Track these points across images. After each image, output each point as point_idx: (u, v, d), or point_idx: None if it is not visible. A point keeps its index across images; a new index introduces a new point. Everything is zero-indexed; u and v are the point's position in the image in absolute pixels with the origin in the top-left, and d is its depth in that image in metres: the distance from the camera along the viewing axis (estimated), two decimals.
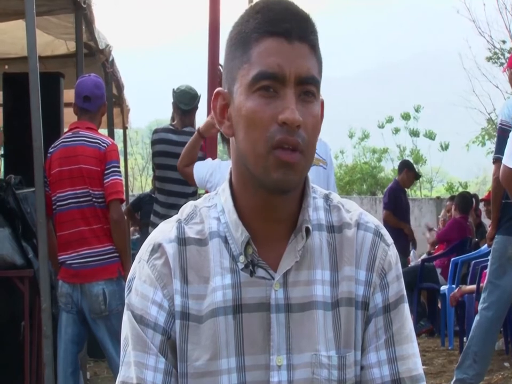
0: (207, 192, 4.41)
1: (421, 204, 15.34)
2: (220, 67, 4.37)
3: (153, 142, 5.54)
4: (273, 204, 1.29)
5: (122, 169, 5.21)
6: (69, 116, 6.48)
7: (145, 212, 9.09)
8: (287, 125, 1.22)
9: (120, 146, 4.20)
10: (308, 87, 1.25)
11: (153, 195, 9.74)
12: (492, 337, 4.82)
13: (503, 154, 4.65)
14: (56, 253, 4.10)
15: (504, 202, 4.75)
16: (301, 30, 1.25)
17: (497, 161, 4.73)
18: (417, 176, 9.73)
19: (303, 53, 1.24)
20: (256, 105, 1.24)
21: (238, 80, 1.27)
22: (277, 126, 1.23)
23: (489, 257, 4.93)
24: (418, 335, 7.75)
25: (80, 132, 4.14)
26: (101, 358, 5.93)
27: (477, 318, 4.85)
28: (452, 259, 7.59)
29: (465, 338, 6.88)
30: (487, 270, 4.94)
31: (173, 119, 5.63)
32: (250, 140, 1.25)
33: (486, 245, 6.48)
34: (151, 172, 10.83)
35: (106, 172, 4.05)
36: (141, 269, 1.32)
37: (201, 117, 4.69)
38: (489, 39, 15.50)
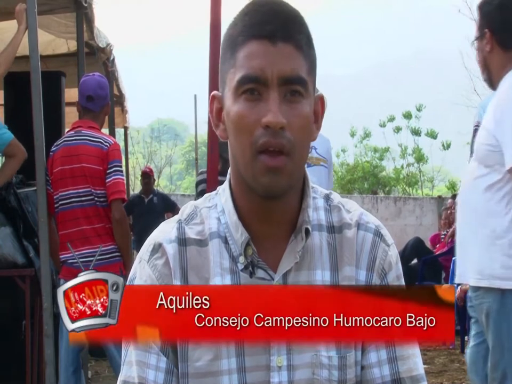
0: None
1: (422, 203, 15.33)
2: None
3: (198, 182, 5.61)
4: (268, 206, 1.29)
5: (123, 168, 5.21)
6: (70, 115, 6.49)
7: (137, 215, 9.09)
8: (270, 127, 1.22)
9: (121, 145, 4.18)
10: (293, 87, 1.24)
11: (142, 195, 9.75)
12: None
13: None
14: (57, 251, 4.09)
15: None
16: (285, 31, 1.24)
17: None
18: None
19: (287, 53, 1.24)
20: (241, 109, 1.24)
21: (227, 83, 1.27)
22: (261, 129, 1.23)
23: None
24: None
25: (83, 131, 4.12)
26: (102, 357, 5.93)
27: None
28: (453, 258, 7.58)
29: (466, 337, 6.90)
30: None
31: None
32: (239, 144, 1.26)
33: None
34: None
35: (108, 171, 4.04)
36: (141, 269, 1.32)
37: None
38: None
